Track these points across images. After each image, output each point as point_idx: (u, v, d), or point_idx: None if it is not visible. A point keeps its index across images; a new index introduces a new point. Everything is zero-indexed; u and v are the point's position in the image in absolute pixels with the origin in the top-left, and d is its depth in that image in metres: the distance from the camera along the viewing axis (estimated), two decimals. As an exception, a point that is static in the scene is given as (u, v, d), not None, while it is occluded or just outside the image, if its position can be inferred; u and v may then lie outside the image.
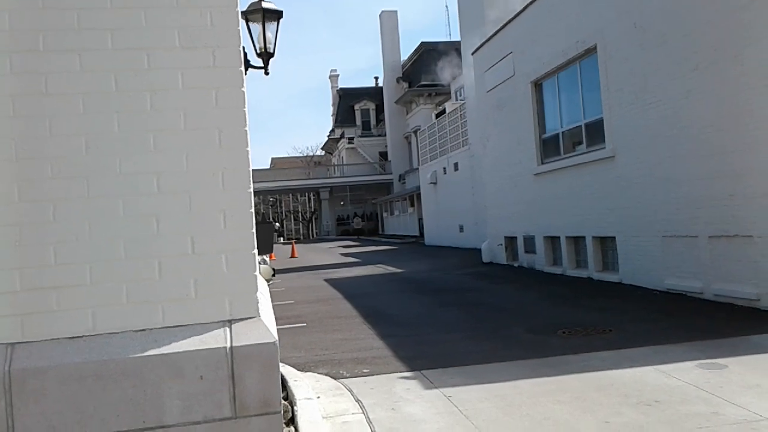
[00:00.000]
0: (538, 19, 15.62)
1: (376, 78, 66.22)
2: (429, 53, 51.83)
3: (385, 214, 56.94)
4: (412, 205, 44.61)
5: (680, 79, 10.19)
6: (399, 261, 23.27)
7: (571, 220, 14.32)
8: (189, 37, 3.40)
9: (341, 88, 67.96)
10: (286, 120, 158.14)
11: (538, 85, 15.99)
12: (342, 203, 63.93)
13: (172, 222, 3.29)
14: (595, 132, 13.33)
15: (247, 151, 3.50)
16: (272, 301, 5.51)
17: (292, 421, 4.73)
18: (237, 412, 2.93)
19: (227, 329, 3.15)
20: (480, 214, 23.73)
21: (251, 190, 3.52)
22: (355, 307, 11.59)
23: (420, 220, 39.67)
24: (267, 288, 6.72)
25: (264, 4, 8.37)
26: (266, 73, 9.16)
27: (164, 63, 3.40)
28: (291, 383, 5.63)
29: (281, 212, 78.05)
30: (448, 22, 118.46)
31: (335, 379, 6.37)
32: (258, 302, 3.35)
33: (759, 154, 8.69)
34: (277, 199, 75.27)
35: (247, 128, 3.52)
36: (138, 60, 3.38)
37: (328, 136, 70.53)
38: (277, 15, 8.50)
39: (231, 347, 3.03)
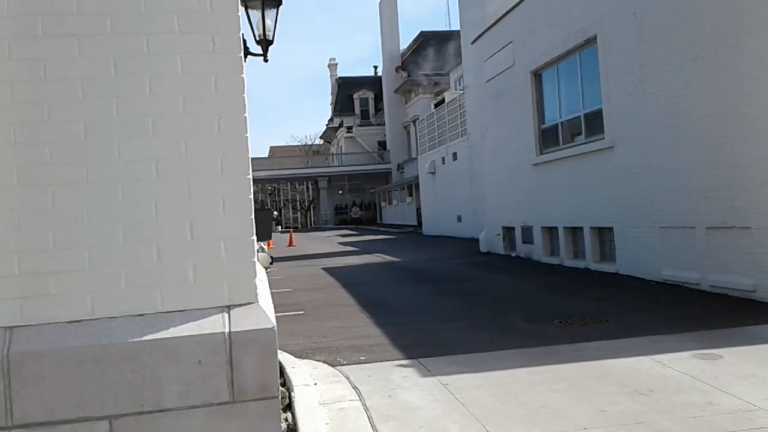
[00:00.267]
0: (537, 8, 15.57)
1: (375, 67, 66.08)
2: (428, 42, 51.70)
3: (383, 204, 56.94)
4: (411, 194, 44.60)
5: (679, 70, 10.18)
6: (397, 250, 23.29)
7: (569, 210, 14.34)
8: (188, 21, 3.39)
9: (340, 77, 67.76)
10: (285, 109, 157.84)
11: (537, 75, 15.95)
12: (340, 192, 63.90)
13: (170, 207, 3.29)
14: (594, 122, 13.32)
15: (246, 137, 3.49)
16: (270, 289, 5.52)
17: (289, 407, 4.76)
18: (235, 396, 2.94)
19: (226, 315, 3.16)
20: (478, 203, 23.74)
21: (250, 176, 3.52)
22: (353, 295, 11.62)
23: (418, 209, 39.69)
24: (265, 275, 6.73)
25: (263, -9, 8.33)
26: (265, 60, 9.13)
27: (163, 48, 3.39)
28: (288, 370, 5.65)
29: (279, 201, 78.01)
30: (448, 11, 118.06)
31: (332, 366, 6.39)
32: (257, 288, 3.36)
33: (758, 144, 8.69)
34: (275, 187, 75.20)
35: (246, 114, 3.52)
36: (137, 44, 3.36)
37: (327, 125, 70.40)
38: (276, 2, 8.47)
39: (229, 332, 3.04)
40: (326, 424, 4.56)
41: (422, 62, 50.83)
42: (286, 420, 4.47)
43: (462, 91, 29.08)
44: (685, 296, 9.53)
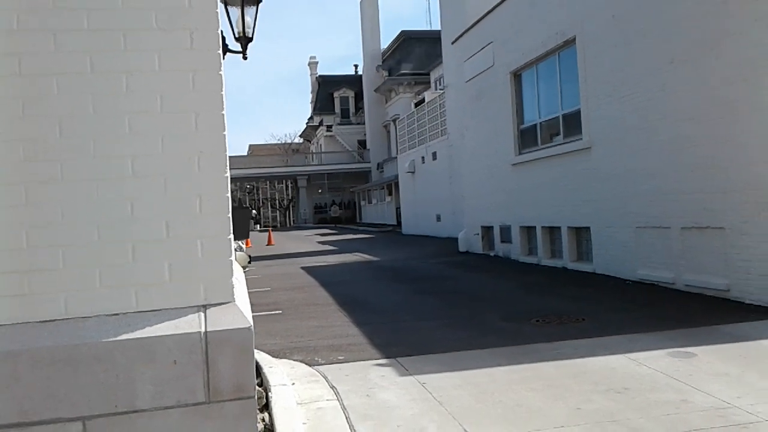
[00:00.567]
0: (518, 9, 15.65)
1: (356, 66, 66.02)
2: (409, 42, 51.71)
3: (362, 203, 56.90)
4: (390, 194, 44.63)
5: (657, 72, 10.29)
6: (376, 249, 23.30)
7: (547, 210, 14.44)
8: (166, 18, 3.36)
9: (320, 75, 67.56)
10: (265, 106, 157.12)
11: (517, 76, 16.04)
12: (320, 191, 63.75)
13: (147, 206, 3.26)
14: (572, 123, 13.43)
15: (224, 135, 3.47)
16: (248, 288, 5.50)
17: (266, 407, 4.74)
18: (210, 397, 2.92)
19: (202, 314, 3.14)
20: (457, 203, 23.82)
21: (228, 175, 3.50)
22: (331, 294, 11.60)
23: (398, 208, 39.73)
24: (243, 274, 6.69)
25: (243, -12, 8.28)
26: (244, 58, 9.08)
27: (141, 44, 3.36)
28: (266, 370, 5.63)
29: (258, 199, 77.64)
30: (429, 11, 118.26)
31: (310, 365, 6.38)
32: (233, 287, 3.34)
33: (733, 147, 8.82)
34: (254, 186, 74.84)
35: (224, 112, 3.50)
36: (114, 41, 3.33)
37: (307, 123, 70.17)
38: (256, -1, 8.42)
39: (205, 332, 3.02)
40: (304, 423, 4.55)
41: (403, 62, 50.85)
42: (263, 420, 4.45)
43: (442, 91, 29.16)
44: (660, 295, 9.65)
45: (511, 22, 15.97)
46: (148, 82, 3.34)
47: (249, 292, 5.20)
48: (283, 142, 75.93)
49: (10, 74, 3.17)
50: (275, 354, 6.81)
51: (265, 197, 78.42)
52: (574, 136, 13.26)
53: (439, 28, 29.05)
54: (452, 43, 20.96)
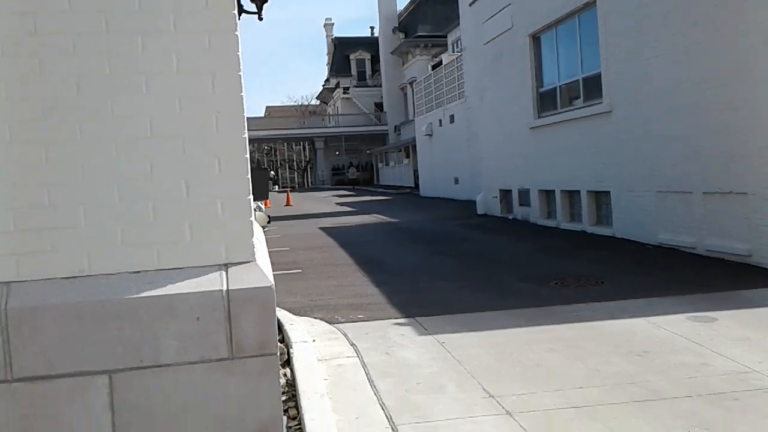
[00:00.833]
0: (539, -33, 15.28)
1: (372, 28, 65.23)
2: (426, 3, 50.82)
3: (380, 165, 56.78)
4: (408, 156, 44.45)
5: (679, 35, 10.04)
6: (394, 211, 23.31)
7: (566, 174, 14.30)
8: (182, -24, 3.30)
9: (336, 37, 66.84)
10: (281, 68, 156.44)
11: (536, 39, 15.74)
12: (337, 153, 63.65)
13: (165, 166, 3.26)
14: (592, 86, 13.20)
15: (242, 96, 3.44)
16: (268, 248, 5.52)
17: (288, 362, 4.80)
18: (234, 353, 2.95)
19: (223, 273, 3.15)
20: (475, 166, 23.66)
21: (246, 135, 3.48)
22: (350, 254, 11.65)
23: (415, 171, 39.60)
24: (263, 234, 6.72)
25: (260, -55, 8.14)
26: (260, 18, 8.96)
27: (156, 4, 3.31)
28: (287, 327, 5.69)
29: (276, 161, 77.72)
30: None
31: (330, 323, 6.43)
32: (254, 247, 3.34)
33: (756, 111, 8.63)
34: (272, 147, 74.83)
35: (240, 73, 3.46)
36: (129, 1, 3.29)
37: (323, 85, 69.74)
38: (273, -44, 8.27)
39: (227, 290, 3.04)
40: (325, 379, 4.60)
41: (420, 23, 50.08)
42: (285, 375, 4.51)
43: (460, 54, 28.76)
44: (680, 260, 9.57)
45: (531, -18, 15.61)
46: (164, 42, 3.30)
47: (269, 252, 5.22)
48: (300, 104, 75.65)
49: (25, 33, 3.15)
50: (296, 312, 6.87)
51: (282, 158, 78.49)
52: (595, 99, 13.04)
53: (457, -13, 28.51)
54: (470, 5, 20.56)
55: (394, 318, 6.61)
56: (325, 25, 71.66)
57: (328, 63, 69.41)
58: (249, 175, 3.46)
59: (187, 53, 3.32)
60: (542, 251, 11.40)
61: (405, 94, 53.86)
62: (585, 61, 13.58)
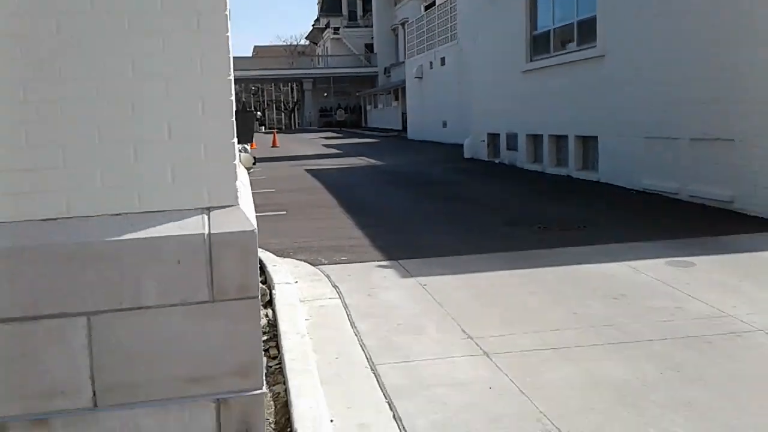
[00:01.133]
0: None
1: (365, -35, 63.49)
2: (419, -62, 49.40)
3: (368, 107, 56.26)
4: (397, 99, 44.02)
5: (676, -24, 9.87)
6: (381, 154, 23.23)
7: (555, 118, 14.26)
8: None
9: (327, -26, 65.18)
10: (271, 7, 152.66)
11: (531, -22, 15.45)
12: (325, 95, 62.89)
13: (147, 107, 3.21)
14: (586, 30, 13.03)
15: (227, 36, 3.36)
16: (253, 190, 5.51)
17: (270, 303, 4.86)
18: (215, 296, 2.97)
19: (205, 216, 3.15)
20: (464, 110, 23.50)
21: (231, 77, 3.42)
22: (336, 197, 11.66)
23: (404, 114, 39.31)
24: (247, 177, 6.69)
25: None
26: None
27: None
28: (270, 268, 5.74)
29: (263, 102, 76.71)
30: None
31: (313, 265, 6.48)
32: (237, 191, 3.33)
33: (750, 59, 8.57)
34: (259, 88, 73.76)
35: (227, 12, 3.37)
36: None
37: (313, 25, 68.36)
38: None
39: (209, 234, 3.04)
40: (306, 320, 4.68)
41: (413, -40, 48.80)
42: (267, 316, 4.58)
43: (453, -7, 28.17)
44: (663, 205, 9.67)
45: None
46: None
47: (254, 193, 5.22)
48: (289, 44, 74.24)
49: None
50: (279, 253, 6.91)
51: (270, 99, 77.44)
52: (588, 43, 12.91)
53: (451, -77, 27.73)
54: (464, -61, 20.04)
55: (378, 260, 6.67)
56: (315, -39, 69.76)
57: (318, 2, 67.82)
58: (234, 118, 3.42)
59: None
60: (528, 195, 11.47)
61: (396, 36, 52.89)
62: (581, 4, 13.39)
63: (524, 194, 11.66)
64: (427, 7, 34.30)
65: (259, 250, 6.47)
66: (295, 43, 74.79)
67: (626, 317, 4.78)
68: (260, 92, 75.81)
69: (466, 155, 19.79)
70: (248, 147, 11.72)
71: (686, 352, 4.13)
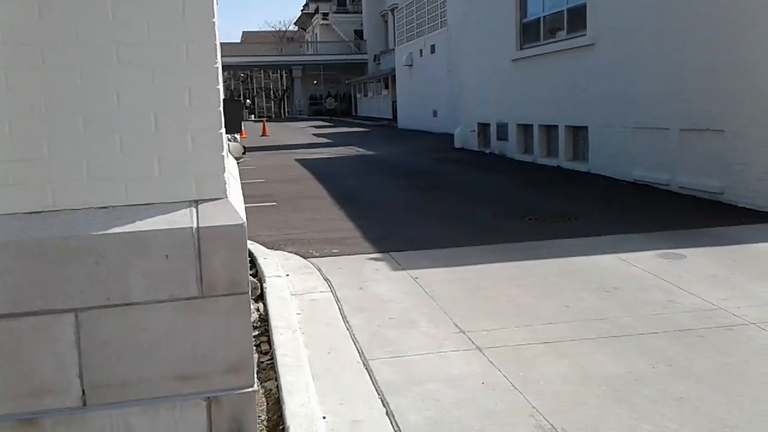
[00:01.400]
0: None
1: (355, -51, 63.00)
2: (410, -76, 49.07)
3: (358, 96, 56.02)
4: (387, 87, 43.84)
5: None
6: (371, 143, 23.15)
7: (545, 108, 14.23)
8: None
9: (316, -41, 64.60)
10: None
11: (522, -35, 15.36)
12: (315, 82, 62.53)
13: (133, 97, 3.13)
14: (577, 18, 12.98)
15: (214, 22, 3.28)
16: (243, 180, 5.45)
17: (261, 297, 4.81)
18: (204, 291, 2.91)
19: (194, 209, 3.09)
20: (454, 99, 23.43)
21: (218, 65, 3.34)
22: (326, 187, 11.59)
23: (394, 102, 39.15)
24: (236, 168, 6.60)
25: None
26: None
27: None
28: (261, 261, 5.68)
29: (252, 89, 76.22)
30: None
31: (305, 258, 6.43)
32: (226, 183, 3.27)
33: (740, 49, 8.56)
34: (248, 75, 73.24)
35: (214, -1, 3.30)
36: None
37: (302, 10, 67.83)
38: None
39: (197, 227, 2.98)
40: (297, 314, 4.63)
41: (403, -54, 48.47)
42: (258, 310, 4.52)
43: (443, -21, 28.00)
44: (654, 196, 9.67)
45: None
46: None
47: (244, 184, 5.16)
48: (278, 29, 73.72)
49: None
50: (270, 245, 6.85)
51: (259, 86, 76.93)
52: (579, 31, 12.85)
53: None
54: (455, -73, 19.90)
55: (369, 253, 6.63)
56: (304, -54, 69.10)
57: (308, -14, 67.30)
58: (221, 107, 3.35)
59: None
60: (518, 186, 11.45)
61: (386, 22, 52.56)
62: (572, -10, 13.33)
63: (515, 185, 11.64)
64: (416, -7, 34.12)
65: (250, 242, 6.43)
66: (284, 29, 74.32)
67: (618, 310, 4.77)
68: (249, 79, 75.30)
69: (457, 145, 19.74)
70: (238, 136, 11.61)
71: (678, 345, 4.12)
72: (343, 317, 4.68)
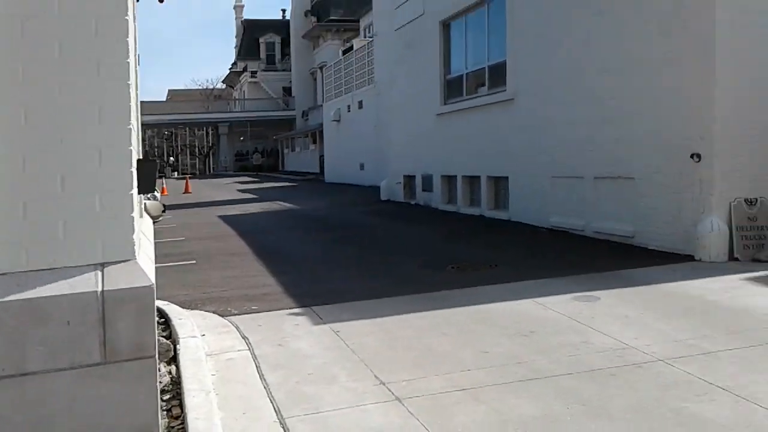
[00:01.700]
0: (444, -45, 15.46)
1: (284, 10, 63.95)
2: (339, -13, 50.33)
3: (286, 151, 56.15)
4: (315, 142, 44.18)
5: (582, 23, 10.43)
6: (297, 198, 23.14)
7: (468, 160, 14.66)
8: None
9: (246, 20, 65.15)
10: (187, 52, 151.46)
11: (446, 26, 15.98)
12: (242, 138, 62.34)
13: (40, 160, 3.08)
14: (497, 75, 13.56)
15: (128, 84, 3.28)
16: (162, 238, 5.36)
17: (174, 359, 4.67)
18: (107, 357, 2.84)
19: (99, 272, 3.03)
20: (381, 152, 23.83)
21: (132, 126, 3.34)
22: (249, 244, 11.46)
23: (321, 156, 39.43)
24: (151, 227, 6.49)
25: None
26: (160, 1, 8.56)
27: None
28: (175, 322, 5.53)
29: (177, 146, 75.26)
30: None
31: (223, 316, 6.29)
32: (134, 244, 3.22)
33: (646, 100, 9.11)
34: (172, 132, 72.39)
35: (129, 60, 3.30)
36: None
37: (230, 69, 68.02)
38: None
39: (102, 291, 2.92)
40: (213, 375, 4.52)
41: (332, 7, 49.54)
42: (170, 373, 4.39)
43: (371, 39, 28.78)
44: (570, 242, 10.03)
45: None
46: (46, 24, 3.10)
47: (162, 242, 5.07)
48: (205, 87, 73.51)
49: None
50: (187, 305, 6.68)
51: (183, 144, 76.02)
52: (499, 87, 13.41)
53: (366, -28, 28.45)
54: (379, -12, 20.59)
55: (290, 308, 6.56)
56: (234, 7, 69.56)
57: (236, 46, 67.59)
58: (133, 168, 3.33)
59: (71, 38, 3.13)
60: (442, 236, 11.65)
61: (315, 79, 53.27)
62: (492, 50, 13.95)
63: (438, 235, 11.85)
64: (345, 51, 34.86)
65: (165, 303, 6.28)
66: (211, 86, 74.13)
67: (534, 354, 4.88)
68: (174, 137, 74.39)
69: (383, 197, 20.00)
70: (158, 194, 11.43)
71: (591, 385, 4.24)
72: (261, 375, 4.60)
